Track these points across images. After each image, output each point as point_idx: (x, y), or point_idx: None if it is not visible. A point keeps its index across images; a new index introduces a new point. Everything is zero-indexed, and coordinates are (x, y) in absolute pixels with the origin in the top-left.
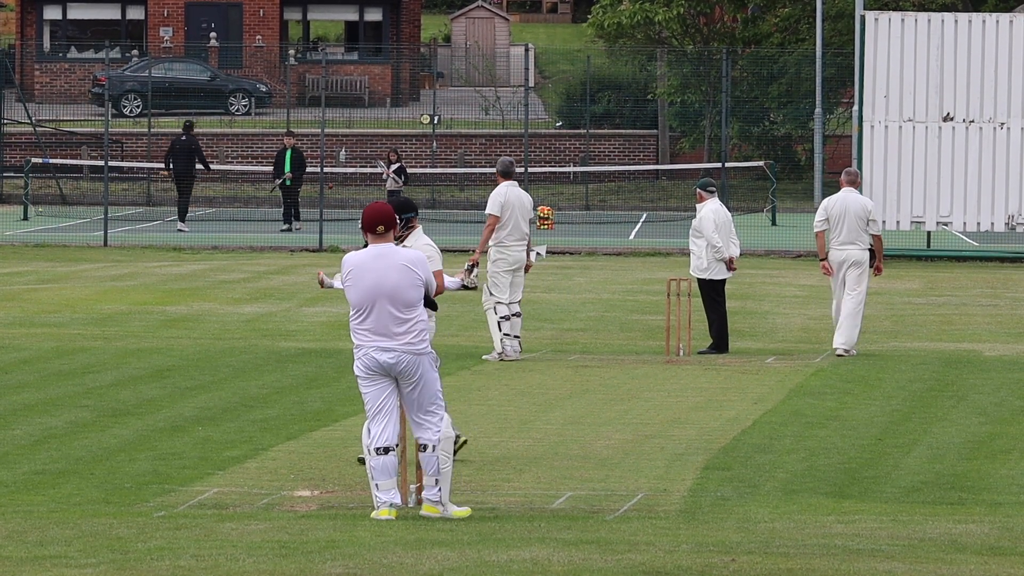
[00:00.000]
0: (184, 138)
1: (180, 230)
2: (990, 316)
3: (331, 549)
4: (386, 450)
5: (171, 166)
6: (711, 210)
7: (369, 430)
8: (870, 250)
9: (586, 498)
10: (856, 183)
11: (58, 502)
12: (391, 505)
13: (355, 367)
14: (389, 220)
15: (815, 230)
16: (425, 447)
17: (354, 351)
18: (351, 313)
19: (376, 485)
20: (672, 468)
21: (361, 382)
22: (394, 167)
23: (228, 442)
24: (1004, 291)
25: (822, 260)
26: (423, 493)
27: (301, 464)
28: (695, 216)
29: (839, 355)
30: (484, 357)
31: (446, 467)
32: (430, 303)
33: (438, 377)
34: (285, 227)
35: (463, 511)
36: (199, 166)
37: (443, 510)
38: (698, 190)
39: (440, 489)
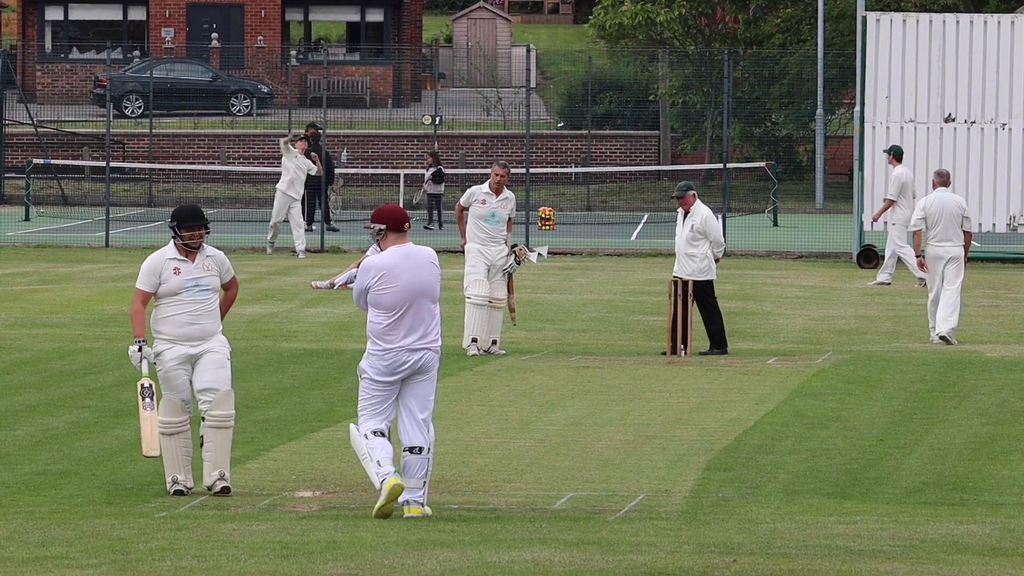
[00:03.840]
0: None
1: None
2: (991, 317)
3: (332, 550)
4: (381, 432)
5: None
6: (711, 212)
7: (360, 424)
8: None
9: (587, 499)
10: (948, 183)
11: (59, 503)
12: (395, 473)
13: (370, 369)
14: (408, 218)
15: (912, 229)
16: (420, 449)
17: (373, 353)
18: (381, 315)
19: (377, 462)
20: (673, 469)
21: (370, 384)
22: (433, 171)
23: None
24: (1005, 292)
25: (918, 256)
26: (408, 495)
27: (302, 465)
28: (679, 220)
29: (938, 340)
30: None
31: (431, 468)
32: None
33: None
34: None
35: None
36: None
37: (424, 511)
38: (689, 193)
39: (424, 492)
